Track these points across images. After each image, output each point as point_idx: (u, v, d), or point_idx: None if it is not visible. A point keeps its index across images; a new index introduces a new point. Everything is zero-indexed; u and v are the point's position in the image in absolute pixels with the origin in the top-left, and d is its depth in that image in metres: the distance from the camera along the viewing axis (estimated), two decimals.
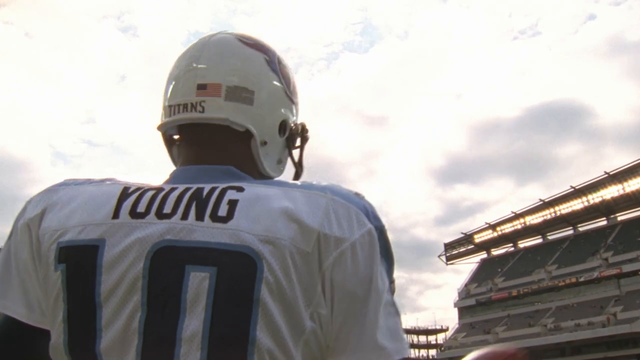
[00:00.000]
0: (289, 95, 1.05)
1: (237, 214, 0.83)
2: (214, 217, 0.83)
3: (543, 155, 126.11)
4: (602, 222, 60.21)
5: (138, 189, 0.90)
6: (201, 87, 0.97)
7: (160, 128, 1.03)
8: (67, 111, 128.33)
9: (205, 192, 0.87)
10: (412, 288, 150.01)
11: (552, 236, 65.34)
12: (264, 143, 1.01)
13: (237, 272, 0.79)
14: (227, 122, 0.97)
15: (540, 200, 61.15)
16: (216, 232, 0.82)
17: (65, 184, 0.96)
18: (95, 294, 0.83)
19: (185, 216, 0.84)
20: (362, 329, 0.83)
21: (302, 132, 1.10)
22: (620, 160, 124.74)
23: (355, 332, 0.83)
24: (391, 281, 0.87)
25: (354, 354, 0.83)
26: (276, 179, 1.00)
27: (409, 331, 75.13)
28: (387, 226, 0.88)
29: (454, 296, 68.62)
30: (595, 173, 63.88)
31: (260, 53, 1.03)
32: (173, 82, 1.01)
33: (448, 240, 74.31)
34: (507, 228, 66.50)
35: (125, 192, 0.89)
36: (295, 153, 1.11)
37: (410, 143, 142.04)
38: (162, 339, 0.80)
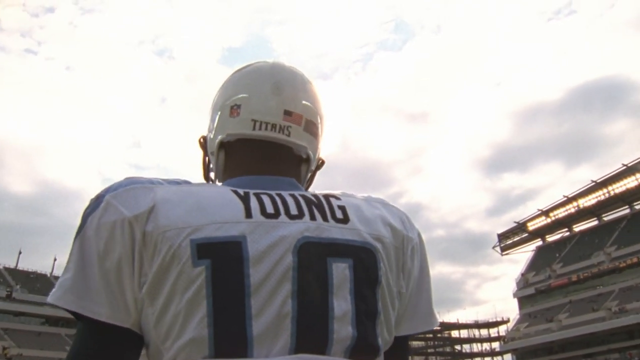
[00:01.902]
0: (323, 133, 1.23)
1: (352, 217, 1.03)
2: (336, 219, 1.02)
3: (591, 135, 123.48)
4: None
5: (247, 192, 1.01)
6: (287, 114, 1.12)
7: (234, 136, 1.13)
8: (113, 137, 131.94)
9: (313, 198, 1.05)
10: (470, 282, 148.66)
11: (608, 217, 63.64)
12: (310, 170, 1.20)
13: (367, 262, 1.00)
14: (305, 150, 1.14)
15: (592, 181, 59.57)
16: (343, 231, 1.00)
17: (149, 181, 1.00)
18: (245, 285, 0.90)
19: (313, 217, 1.00)
20: (422, 301, 1.12)
21: (321, 164, 1.28)
22: None
23: (417, 304, 1.11)
24: None
25: (417, 316, 1.11)
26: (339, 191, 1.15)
27: (469, 325, 74.29)
28: None
29: (513, 286, 67.71)
30: None
31: (318, 94, 1.21)
32: (254, 97, 1.12)
33: (501, 230, 73.19)
34: (561, 213, 65.15)
35: (240, 195, 1.00)
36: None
37: (453, 136, 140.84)
38: (316, 319, 0.93)
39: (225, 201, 0.98)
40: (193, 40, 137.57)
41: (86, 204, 0.98)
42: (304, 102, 1.14)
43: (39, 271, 61.52)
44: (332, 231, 0.99)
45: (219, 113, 1.15)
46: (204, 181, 1.24)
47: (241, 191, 1.01)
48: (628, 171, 56.21)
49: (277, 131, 1.10)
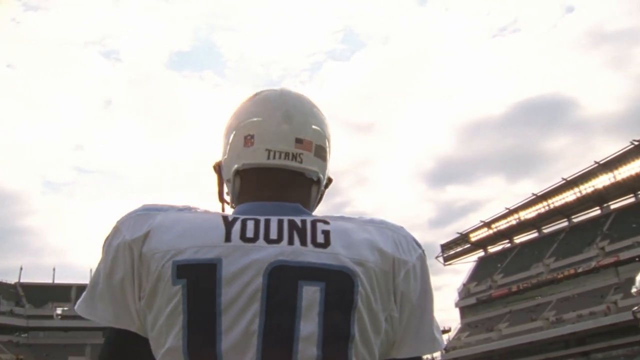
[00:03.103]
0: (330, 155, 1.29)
1: (333, 242, 1.06)
2: (315, 243, 1.05)
3: (532, 150, 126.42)
4: (596, 212, 60.45)
5: (235, 218, 1.09)
6: (298, 141, 1.18)
7: (249, 165, 1.19)
8: (55, 139, 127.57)
9: (299, 223, 1.09)
10: None
11: (548, 229, 65.50)
12: (321, 192, 1.28)
13: (341, 286, 1.02)
14: (316, 173, 1.21)
15: (533, 194, 61.23)
16: (320, 255, 1.04)
17: (156, 209, 1.13)
18: (215, 304, 1.00)
19: (291, 242, 1.05)
20: (423, 326, 1.12)
21: (329, 182, 1.33)
22: (608, 149, 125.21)
23: (418, 327, 1.12)
24: None
25: (417, 341, 1.12)
26: (339, 214, 1.18)
27: None
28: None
29: (454, 296, 68.69)
30: (586, 163, 64.16)
31: (325, 118, 1.28)
32: (266, 127, 1.19)
33: (444, 241, 74.22)
34: (502, 224, 66.55)
35: (228, 220, 1.09)
36: None
37: (399, 148, 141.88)
38: (281, 339, 0.98)
39: (211, 227, 1.07)
40: (141, 43, 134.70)
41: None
42: (313, 127, 1.22)
43: None
44: (308, 255, 1.04)
45: (233, 142, 1.22)
46: (218, 202, 1.31)
47: (231, 217, 1.10)
48: (567, 185, 58.15)
49: (290, 159, 1.17)
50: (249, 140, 1.19)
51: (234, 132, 1.22)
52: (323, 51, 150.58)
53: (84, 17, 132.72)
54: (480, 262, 70.83)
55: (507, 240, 69.14)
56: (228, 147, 1.23)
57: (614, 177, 54.35)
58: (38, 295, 64.20)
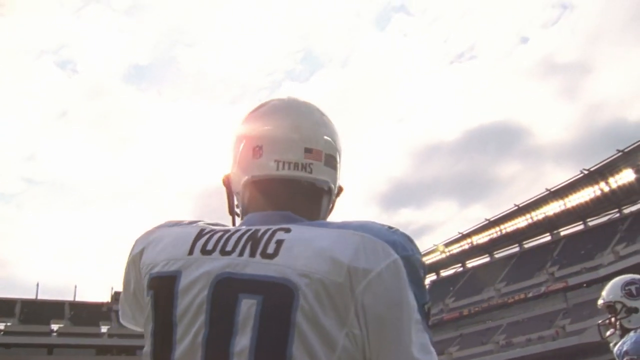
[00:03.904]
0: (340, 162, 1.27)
1: (282, 252, 1.01)
2: (264, 254, 1.02)
3: (485, 176, 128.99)
4: (546, 238, 61.60)
5: (212, 230, 1.12)
6: (308, 151, 1.17)
7: (258, 177, 1.18)
8: (5, 149, 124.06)
9: (260, 233, 1.06)
10: None
11: (499, 254, 66.26)
12: (332, 201, 1.27)
13: (278, 300, 0.97)
14: (327, 183, 1.21)
15: (486, 219, 62.03)
16: (264, 266, 1.00)
17: (162, 226, 1.21)
18: (173, 314, 1.05)
19: (241, 253, 1.04)
20: (399, 345, 0.98)
21: (340, 190, 1.32)
22: (558, 177, 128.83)
23: (394, 348, 0.98)
24: (424, 303, 1.02)
25: (397, 356, 0.98)
26: (322, 220, 1.21)
27: None
28: (412, 254, 1.03)
29: None
30: (536, 191, 65.62)
31: (334, 125, 1.26)
32: (275, 138, 1.18)
33: None
34: (455, 248, 67.10)
35: (201, 233, 1.12)
36: None
37: (353, 170, 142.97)
38: (219, 352, 0.99)
39: (182, 240, 1.12)
40: (99, 55, 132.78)
41: None
42: (322, 136, 1.21)
43: None
44: (253, 267, 1.01)
45: (242, 153, 1.20)
46: (229, 215, 1.29)
47: (208, 229, 1.13)
48: (519, 211, 59.07)
49: (299, 169, 1.16)
50: (257, 151, 1.17)
51: (242, 144, 1.20)
52: (282, 70, 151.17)
53: (40, 26, 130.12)
54: (433, 285, 71.11)
55: (459, 264, 69.80)
56: (237, 159, 1.22)
57: (565, 204, 55.57)
58: None
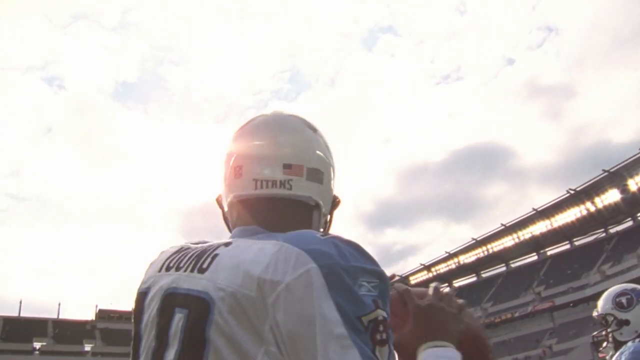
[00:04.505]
0: (334, 173, 1.26)
1: (211, 267, 1.01)
2: (199, 269, 1.03)
3: (471, 196, 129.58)
4: (533, 258, 61.86)
5: (187, 249, 1.15)
6: (287, 167, 1.16)
7: (240, 197, 1.18)
8: None
9: (210, 249, 1.08)
10: None
11: (486, 274, 66.52)
12: (324, 215, 1.23)
13: (197, 314, 0.97)
14: (309, 199, 1.18)
15: (473, 239, 62.34)
16: (195, 281, 1.02)
17: (183, 246, 1.21)
18: (140, 328, 1.13)
19: (185, 269, 1.07)
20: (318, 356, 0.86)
21: (337, 203, 1.29)
22: (543, 197, 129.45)
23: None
24: (359, 315, 0.88)
25: None
26: (275, 232, 1.08)
27: None
28: (342, 263, 0.91)
29: None
30: (521, 211, 65.87)
31: (320, 137, 1.24)
32: (253, 156, 1.18)
33: None
34: (442, 268, 67.50)
35: (178, 250, 1.17)
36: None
37: (339, 189, 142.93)
38: None
39: (161, 259, 1.18)
40: (86, 72, 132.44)
41: None
42: (304, 151, 1.19)
43: None
44: (188, 282, 1.04)
45: (226, 174, 1.22)
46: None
47: (186, 247, 1.17)
48: (506, 231, 59.46)
49: (277, 187, 1.15)
50: (238, 170, 1.18)
51: (226, 164, 1.22)
52: (269, 90, 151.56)
53: (27, 42, 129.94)
54: None
55: (446, 284, 69.15)
56: (223, 178, 1.23)
57: (551, 224, 56.03)
58: None
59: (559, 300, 50.73)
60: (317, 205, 1.19)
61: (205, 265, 1.03)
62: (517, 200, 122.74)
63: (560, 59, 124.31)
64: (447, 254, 65.84)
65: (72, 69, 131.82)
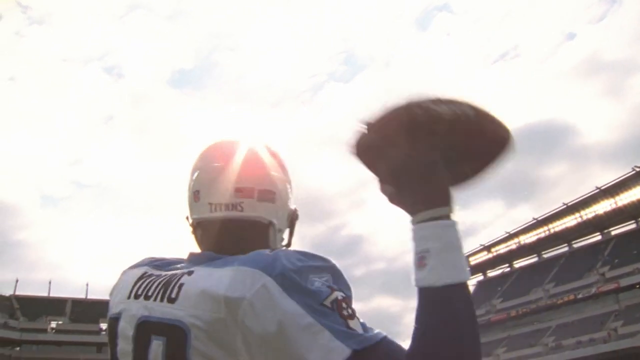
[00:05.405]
0: (290, 189, 1.37)
1: (180, 296, 1.11)
2: (168, 299, 1.13)
3: (530, 176, 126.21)
4: (596, 238, 60.00)
5: (150, 275, 1.25)
6: (238, 190, 1.27)
7: (197, 220, 1.32)
8: (54, 153, 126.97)
9: (173, 278, 1.16)
10: (408, 315, 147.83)
11: (548, 254, 64.93)
12: (280, 230, 1.34)
13: (176, 341, 1.07)
14: (261, 219, 1.29)
15: (534, 218, 60.98)
16: (167, 310, 1.12)
17: (127, 270, 1.33)
18: (116, 353, 1.23)
19: (155, 298, 1.16)
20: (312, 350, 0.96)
21: (295, 217, 1.40)
22: (606, 176, 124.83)
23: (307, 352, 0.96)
24: (323, 298, 1.00)
25: None
26: (228, 256, 1.14)
27: None
28: (291, 267, 1.03)
29: None
30: (583, 190, 63.33)
31: (274, 159, 1.34)
32: (208, 181, 1.30)
33: None
34: (502, 249, 66.29)
35: (141, 277, 1.25)
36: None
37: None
38: None
39: (129, 284, 1.26)
40: (143, 60, 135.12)
41: None
42: (255, 174, 1.30)
43: None
44: (159, 311, 1.13)
45: (188, 197, 1.35)
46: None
47: (150, 272, 1.26)
48: (568, 210, 57.90)
49: (230, 209, 1.27)
50: (196, 195, 1.31)
51: (188, 188, 1.35)
52: (324, 72, 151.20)
53: (87, 33, 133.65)
54: (479, 286, 70.25)
55: (506, 265, 68.64)
56: (187, 202, 1.35)
57: (615, 203, 54.19)
58: (33, 309, 63.11)
59: (624, 282, 49.11)
60: (271, 223, 1.30)
61: (173, 295, 1.12)
62: (579, 179, 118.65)
63: (623, 33, 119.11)
64: (507, 234, 64.59)
65: (129, 58, 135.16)
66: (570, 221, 58.94)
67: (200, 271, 1.14)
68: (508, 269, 68.57)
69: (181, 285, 1.13)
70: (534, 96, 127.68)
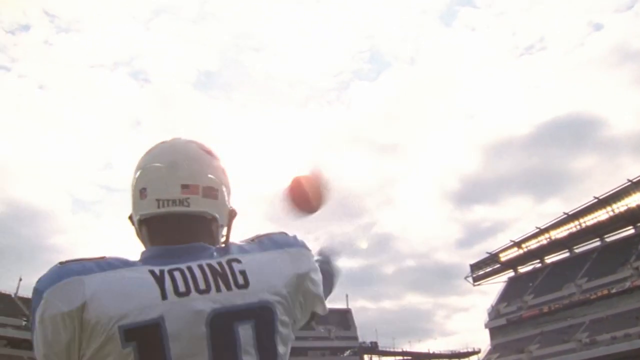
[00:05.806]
0: (229, 189, 1.47)
1: (251, 280, 1.28)
2: (238, 286, 1.26)
3: (559, 169, 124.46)
4: (629, 231, 58.82)
5: (162, 270, 1.23)
6: (185, 187, 1.35)
7: (145, 216, 1.36)
8: (84, 158, 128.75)
9: (218, 267, 1.28)
10: (439, 312, 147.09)
11: (579, 249, 63.90)
12: (222, 226, 1.43)
13: (266, 319, 1.27)
14: (206, 214, 1.37)
15: (565, 213, 59.98)
16: (245, 296, 1.26)
17: (77, 271, 1.20)
18: (167, 358, 1.15)
19: (218, 289, 1.24)
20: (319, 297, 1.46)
21: (233, 215, 1.48)
22: (636, 168, 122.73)
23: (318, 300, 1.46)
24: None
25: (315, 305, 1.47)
26: (237, 243, 1.41)
27: (442, 355, 73.90)
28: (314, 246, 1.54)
29: (483, 317, 67.45)
30: (614, 184, 62.12)
31: (215, 159, 1.45)
32: (155, 179, 1.36)
33: (472, 261, 72.94)
34: (533, 244, 65.34)
35: (156, 275, 1.23)
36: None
37: (424, 168, 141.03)
38: None
39: (145, 286, 1.20)
40: (169, 64, 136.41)
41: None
42: (199, 172, 1.38)
43: (3, 291, 59.53)
44: (235, 299, 1.24)
45: (133, 196, 1.39)
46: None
47: (157, 270, 1.23)
48: (599, 204, 56.77)
49: (177, 205, 1.34)
50: (143, 193, 1.36)
51: (132, 187, 1.39)
52: (350, 71, 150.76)
53: (113, 39, 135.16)
54: (511, 282, 69.64)
55: (537, 260, 67.88)
56: (132, 200, 1.40)
57: None
58: None
59: None
60: (214, 219, 1.40)
61: (241, 282, 1.27)
62: (610, 172, 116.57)
63: None
64: (537, 230, 63.67)
65: (155, 62, 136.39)
66: (601, 215, 57.79)
67: (246, 257, 1.33)
68: (539, 265, 67.81)
69: (242, 271, 1.29)
70: (562, 89, 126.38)
